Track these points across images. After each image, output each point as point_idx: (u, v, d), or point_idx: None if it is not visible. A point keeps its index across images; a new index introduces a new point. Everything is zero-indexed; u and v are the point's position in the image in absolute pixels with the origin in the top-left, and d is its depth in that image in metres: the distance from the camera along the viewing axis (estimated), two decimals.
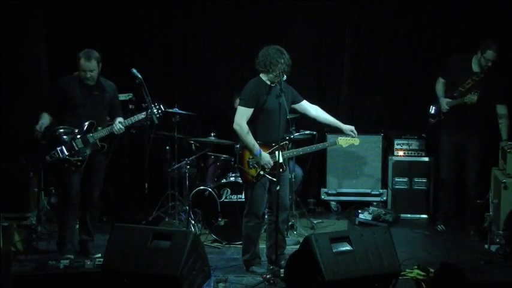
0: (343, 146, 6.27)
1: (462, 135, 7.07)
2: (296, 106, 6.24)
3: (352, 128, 6.23)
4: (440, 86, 7.24)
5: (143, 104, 6.86)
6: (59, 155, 6.40)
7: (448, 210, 7.35)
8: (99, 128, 6.49)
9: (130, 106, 6.91)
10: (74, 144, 6.44)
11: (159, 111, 6.59)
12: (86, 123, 6.47)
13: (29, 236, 6.81)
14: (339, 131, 6.37)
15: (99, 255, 6.50)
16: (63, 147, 6.41)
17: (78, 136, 6.45)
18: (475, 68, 7.00)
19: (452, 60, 7.18)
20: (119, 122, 6.54)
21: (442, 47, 7.98)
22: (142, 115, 6.58)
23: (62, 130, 6.44)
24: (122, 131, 6.53)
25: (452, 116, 7.06)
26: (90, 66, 6.39)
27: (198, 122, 8.30)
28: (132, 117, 6.60)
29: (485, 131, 7.07)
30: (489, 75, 6.92)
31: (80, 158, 6.46)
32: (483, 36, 7.91)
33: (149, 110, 6.56)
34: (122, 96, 7.18)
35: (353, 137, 6.22)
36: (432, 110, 7.25)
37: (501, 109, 7.03)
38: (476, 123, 7.02)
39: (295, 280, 5.46)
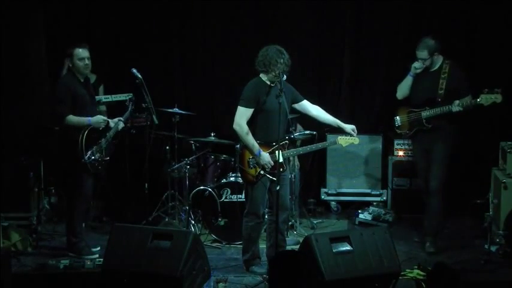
0: (343, 145, 6.27)
1: (429, 138, 6.66)
2: (296, 106, 6.23)
3: (353, 127, 6.22)
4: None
5: (143, 104, 6.88)
6: (94, 156, 6.37)
7: (435, 226, 6.81)
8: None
9: (132, 107, 6.92)
10: (102, 145, 6.46)
11: (132, 104, 6.77)
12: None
13: (29, 235, 6.81)
14: (339, 131, 6.37)
15: (98, 248, 6.53)
16: (96, 149, 6.40)
17: (102, 136, 6.47)
18: (430, 67, 6.66)
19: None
20: (119, 120, 6.65)
21: (442, 46, 7.96)
22: (123, 96, 6.89)
23: (92, 131, 6.38)
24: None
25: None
26: (87, 53, 6.42)
27: (198, 122, 8.30)
28: (125, 114, 6.75)
29: (453, 136, 6.66)
30: (452, 71, 6.59)
31: (107, 158, 6.49)
32: (482, 35, 7.95)
33: (128, 106, 6.74)
34: (122, 96, 7.20)
35: (353, 136, 6.22)
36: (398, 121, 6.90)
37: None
38: (444, 126, 6.60)
39: (280, 280, 5.43)
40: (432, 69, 6.66)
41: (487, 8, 7.87)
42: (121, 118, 6.68)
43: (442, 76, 6.59)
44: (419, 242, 6.91)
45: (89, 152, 6.32)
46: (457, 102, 6.47)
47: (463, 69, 6.66)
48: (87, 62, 6.41)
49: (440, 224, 6.87)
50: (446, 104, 6.51)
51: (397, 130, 6.93)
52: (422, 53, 6.57)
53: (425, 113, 6.62)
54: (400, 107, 6.88)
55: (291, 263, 4.97)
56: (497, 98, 6.37)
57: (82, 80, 6.47)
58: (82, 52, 6.39)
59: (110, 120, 6.64)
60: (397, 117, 6.89)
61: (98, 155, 6.40)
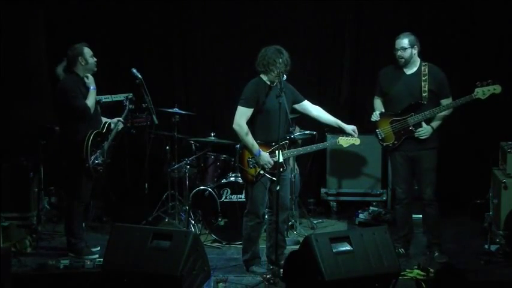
0: (344, 146, 6.25)
1: (415, 145, 6.38)
2: (297, 106, 6.23)
3: (354, 127, 6.20)
4: (378, 102, 6.67)
5: (143, 104, 6.89)
6: (98, 160, 6.38)
7: (408, 233, 6.60)
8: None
9: (130, 106, 6.94)
10: (104, 148, 6.46)
11: (131, 103, 6.72)
12: (106, 125, 6.52)
13: (29, 235, 6.81)
14: (339, 131, 6.36)
15: (98, 248, 6.53)
16: (100, 153, 6.40)
17: (104, 139, 6.48)
18: (407, 70, 6.40)
19: (381, 72, 6.64)
20: (118, 121, 6.65)
21: (442, 47, 7.98)
22: (123, 96, 6.76)
23: (96, 135, 6.37)
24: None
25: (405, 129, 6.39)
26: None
27: (198, 122, 8.31)
28: (124, 113, 6.72)
29: (438, 140, 6.44)
30: (432, 72, 6.34)
31: (108, 160, 6.50)
32: (481, 35, 7.96)
33: (126, 105, 6.73)
34: (122, 96, 7.20)
35: (354, 137, 6.21)
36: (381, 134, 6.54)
37: (446, 102, 6.34)
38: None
39: (294, 280, 5.45)
40: (409, 72, 6.42)
41: (488, 8, 7.87)
42: (120, 119, 6.68)
43: (423, 78, 6.32)
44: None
45: (93, 157, 6.32)
46: (444, 106, 6.28)
47: (442, 70, 6.45)
48: (95, 59, 6.47)
49: (440, 229, 6.66)
50: (431, 106, 6.30)
51: (381, 143, 6.55)
52: (403, 41, 6.33)
53: (412, 120, 6.32)
54: (379, 118, 6.54)
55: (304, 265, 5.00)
56: (496, 89, 6.14)
57: (84, 81, 6.48)
58: (90, 51, 6.45)
59: (110, 120, 6.64)
60: (379, 130, 6.52)
61: (101, 158, 6.40)
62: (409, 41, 6.34)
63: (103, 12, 8.22)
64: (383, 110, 6.57)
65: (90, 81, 6.44)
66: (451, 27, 8.06)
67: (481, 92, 6.17)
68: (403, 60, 6.37)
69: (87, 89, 6.41)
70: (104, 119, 6.63)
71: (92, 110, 6.35)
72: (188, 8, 8.34)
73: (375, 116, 6.55)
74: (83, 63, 6.40)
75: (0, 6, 7.48)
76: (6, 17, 7.62)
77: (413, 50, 6.36)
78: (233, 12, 8.30)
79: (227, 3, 8.25)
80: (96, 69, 6.48)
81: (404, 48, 6.34)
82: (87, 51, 6.43)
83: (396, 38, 6.40)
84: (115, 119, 6.66)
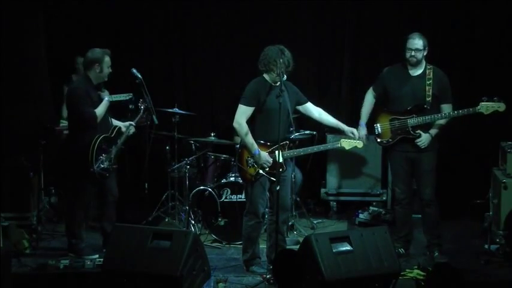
0: (346, 148, 6.22)
1: (415, 147, 6.35)
2: (300, 108, 6.22)
3: (354, 130, 6.21)
4: (369, 98, 6.64)
5: (143, 104, 6.87)
6: (103, 164, 6.36)
7: (408, 233, 6.61)
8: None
9: (130, 106, 6.95)
10: (112, 153, 6.44)
11: (132, 100, 6.70)
12: (115, 129, 6.51)
13: (29, 235, 6.80)
14: (339, 132, 6.36)
15: (96, 256, 6.53)
16: (106, 157, 6.38)
17: (113, 143, 6.46)
18: (412, 72, 6.38)
19: (386, 71, 6.56)
20: (130, 125, 6.62)
21: (442, 46, 7.98)
22: (122, 96, 6.67)
23: (103, 139, 6.36)
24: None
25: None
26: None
27: (198, 122, 8.30)
28: (137, 118, 6.70)
29: (437, 142, 6.44)
30: (437, 76, 6.33)
31: (115, 165, 6.49)
32: (481, 34, 7.95)
33: (140, 109, 6.68)
34: (122, 96, 7.21)
35: (354, 139, 6.19)
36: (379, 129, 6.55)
37: (446, 108, 6.35)
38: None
39: (286, 279, 5.42)
40: (415, 74, 6.40)
41: (487, 8, 7.87)
42: (132, 123, 6.65)
43: (428, 82, 6.31)
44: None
45: (99, 161, 6.30)
46: (446, 113, 6.29)
47: (446, 75, 6.44)
48: (111, 70, 6.48)
49: (440, 229, 6.66)
50: (433, 110, 6.32)
51: (377, 138, 6.56)
52: (418, 42, 6.27)
53: (412, 121, 6.32)
54: (380, 113, 6.57)
55: (294, 263, 4.98)
56: (500, 106, 6.19)
57: (95, 85, 6.48)
58: (109, 60, 6.45)
59: (121, 124, 6.62)
60: (378, 124, 6.53)
61: (107, 163, 6.37)
62: (423, 43, 6.31)
63: (103, 11, 8.21)
64: (369, 109, 6.61)
65: (105, 93, 6.47)
66: (451, 27, 8.05)
67: (485, 107, 6.22)
68: (414, 60, 6.32)
69: (98, 96, 6.42)
70: (114, 122, 6.61)
71: (99, 120, 6.33)
72: (188, 7, 8.34)
73: (377, 130, 6.55)
74: (97, 71, 6.40)
75: (0, 6, 7.48)
76: (6, 16, 7.61)
77: (424, 52, 6.34)
78: (233, 12, 8.29)
79: (227, 3, 8.25)
80: (106, 79, 6.48)
81: (419, 50, 6.30)
82: (107, 61, 6.42)
83: (409, 37, 6.35)
84: (127, 123, 6.63)
